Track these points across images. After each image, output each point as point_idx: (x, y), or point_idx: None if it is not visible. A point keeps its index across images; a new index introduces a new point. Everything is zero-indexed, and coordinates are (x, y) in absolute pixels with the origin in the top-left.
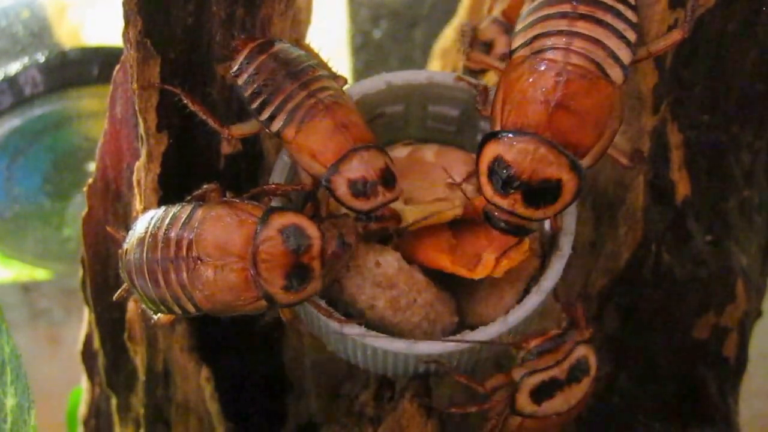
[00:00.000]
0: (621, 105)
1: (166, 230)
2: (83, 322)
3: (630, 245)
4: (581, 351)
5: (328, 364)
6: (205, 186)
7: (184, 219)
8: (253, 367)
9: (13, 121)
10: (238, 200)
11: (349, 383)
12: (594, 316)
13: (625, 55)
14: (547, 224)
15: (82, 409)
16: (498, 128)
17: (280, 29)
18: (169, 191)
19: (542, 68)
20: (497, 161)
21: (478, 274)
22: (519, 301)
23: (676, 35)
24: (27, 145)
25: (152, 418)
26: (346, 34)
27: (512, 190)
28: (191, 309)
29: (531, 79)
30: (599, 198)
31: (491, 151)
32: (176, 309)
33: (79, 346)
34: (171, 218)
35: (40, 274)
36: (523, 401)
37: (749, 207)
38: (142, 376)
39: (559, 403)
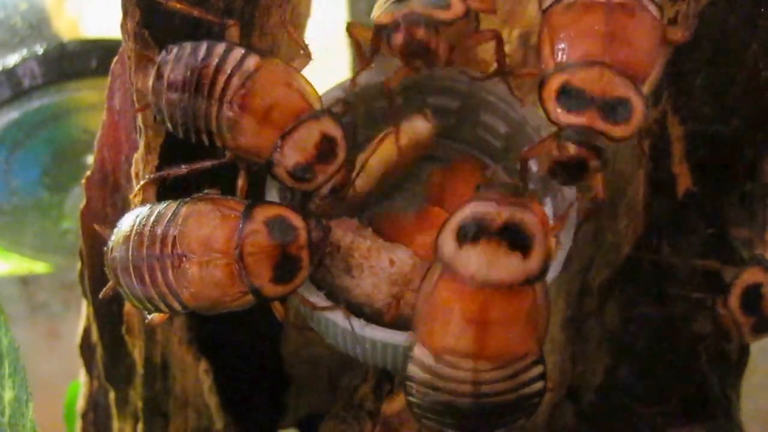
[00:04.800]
0: (664, 35)
1: (152, 227)
2: (82, 316)
3: (631, 238)
4: (525, 216)
5: (327, 357)
6: (206, 190)
7: (169, 216)
8: (252, 360)
9: (12, 114)
10: (221, 196)
11: (348, 376)
12: (595, 310)
13: None
14: (550, 217)
15: (81, 403)
16: (553, 65)
17: (279, 20)
18: (168, 183)
19: (588, 7)
20: (566, 86)
21: None
22: None
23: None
24: (25, 137)
25: (150, 411)
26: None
27: (587, 107)
28: (177, 307)
29: (580, 17)
30: None
31: (556, 80)
32: (163, 307)
33: (78, 339)
34: (157, 215)
35: (39, 267)
36: (447, 235)
37: (751, 200)
38: (140, 369)
39: (477, 257)
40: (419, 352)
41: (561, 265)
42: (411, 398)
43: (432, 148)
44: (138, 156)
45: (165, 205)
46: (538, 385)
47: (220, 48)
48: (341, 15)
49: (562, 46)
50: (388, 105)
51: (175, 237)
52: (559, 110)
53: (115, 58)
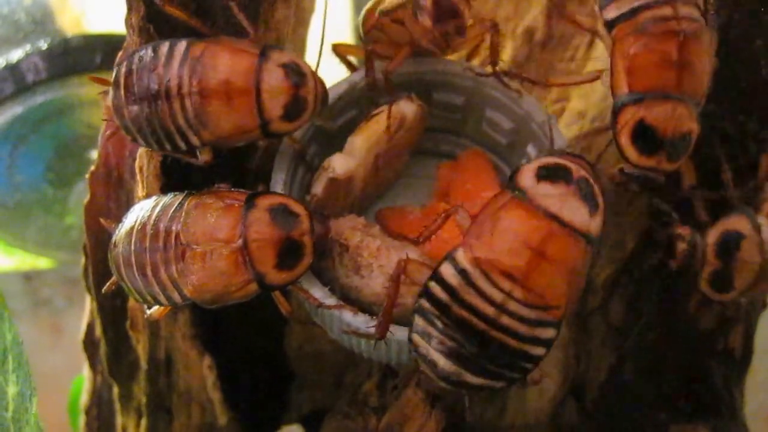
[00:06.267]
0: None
1: (155, 221)
2: (85, 311)
3: (635, 235)
4: (597, 184)
5: (331, 353)
6: (216, 185)
7: (174, 208)
8: (256, 355)
9: (16, 109)
10: (224, 189)
11: (353, 372)
12: (599, 306)
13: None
14: None
15: (84, 398)
16: (626, 92)
17: (284, 15)
18: (171, 178)
19: (661, 37)
20: (640, 125)
21: None
22: None
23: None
24: (29, 132)
25: (154, 406)
26: (349, 20)
27: (658, 150)
28: (178, 299)
29: (655, 46)
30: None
31: (631, 115)
32: (163, 299)
33: (81, 334)
34: (161, 209)
35: (43, 262)
36: (527, 172)
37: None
38: (144, 364)
39: (553, 192)
40: (461, 256)
41: None
42: (426, 305)
43: (428, 140)
44: (142, 151)
45: (170, 197)
46: (540, 351)
47: (165, 47)
48: (345, 6)
49: (633, 73)
50: (386, 89)
51: (179, 229)
52: (633, 152)
53: (120, 53)
